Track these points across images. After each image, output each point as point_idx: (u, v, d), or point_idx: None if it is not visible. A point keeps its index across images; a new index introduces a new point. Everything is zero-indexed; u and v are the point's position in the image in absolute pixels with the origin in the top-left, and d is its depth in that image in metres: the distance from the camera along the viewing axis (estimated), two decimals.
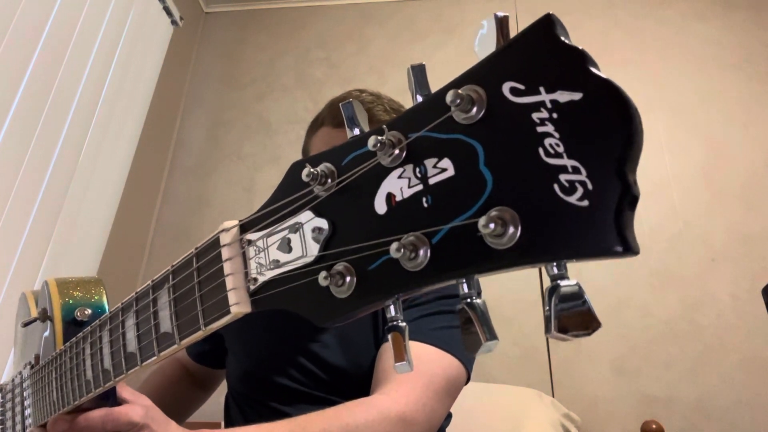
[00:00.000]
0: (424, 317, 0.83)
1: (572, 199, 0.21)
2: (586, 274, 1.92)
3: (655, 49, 2.25)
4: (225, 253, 0.35)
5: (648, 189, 1.99)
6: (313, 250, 0.30)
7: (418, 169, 0.26)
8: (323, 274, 0.29)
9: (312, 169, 0.30)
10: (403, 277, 0.26)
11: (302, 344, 0.89)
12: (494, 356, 1.88)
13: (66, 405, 0.58)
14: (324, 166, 0.30)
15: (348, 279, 0.28)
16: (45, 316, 0.65)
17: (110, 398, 0.58)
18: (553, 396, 1.82)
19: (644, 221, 1.97)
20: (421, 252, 0.25)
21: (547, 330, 0.21)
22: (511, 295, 1.94)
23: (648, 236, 1.95)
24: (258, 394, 0.91)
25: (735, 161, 2.03)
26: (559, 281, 0.22)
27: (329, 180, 0.30)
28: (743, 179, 2.00)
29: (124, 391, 0.61)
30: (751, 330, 1.80)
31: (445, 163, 0.25)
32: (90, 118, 1.90)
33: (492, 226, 0.22)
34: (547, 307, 0.22)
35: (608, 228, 0.20)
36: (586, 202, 0.21)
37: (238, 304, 0.34)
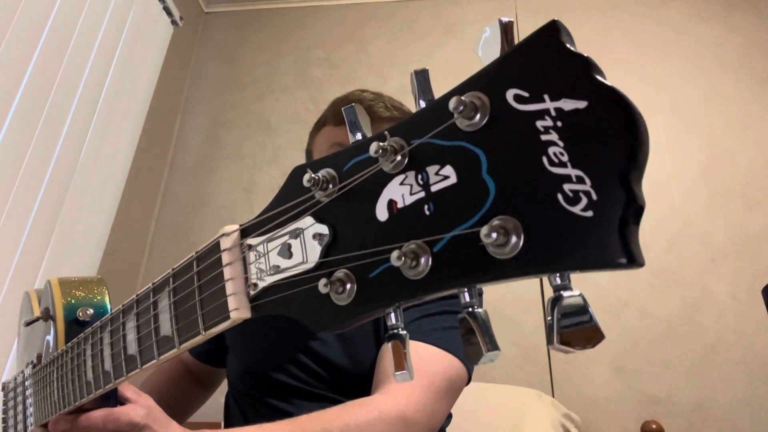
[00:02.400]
0: (426, 317, 0.83)
1: (576, 209, 0.21)
2: (585, 274, 1.91)
3: (655, 49, 2.25)
4: (225, 257, 0.35)
5: (648, 189, 1.97)
6: (314, 256, 0.30)
7: (420, 176, 0.26)
8: (323, 281, 0.29)
9: (313, 175, 0.30)
10: (404, 285, 0.26)
11: (303, 342, 0.89)
12: None
13: (67, 405, 0.58)
14: (325, 172, 0.30)
15: (348, 286, 0.28)
16: (47, 316, 0.65)
17: (111, 398, 0.58)
18: (553, 396, 1.82)
19: (644, 221, 1.96)
20: (422, 260, 0.25)
21: (549, 342, 0.21)
22: (511, 295, 1.94)
23: (648, 236, 1.95)
24: (258, 392, 0.91)
25: (735, 161, 2.03)
26: (562, 292, 0.21)
27: (330, 186, 0.30)
28: (743, 179, 2.00)
29: (128, 390, 0.61)
30: (751, 330, 1.80)
31: (448, 170, 0.25)
32: (90, 118, 1.90)
33: (494, 235, 0.22)
34: (549, 317, 0.22)
35: (612, 239, 0.20)
36: (590, 213, 0.20)
37: (238, 310, 0.34)
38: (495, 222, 0.22)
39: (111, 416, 0.56)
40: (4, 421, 0.82)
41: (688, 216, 1.98)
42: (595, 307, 0.21)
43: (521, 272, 0.22)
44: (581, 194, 0.20)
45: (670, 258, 1.93)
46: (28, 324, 0.73)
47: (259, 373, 0.91)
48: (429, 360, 0.78)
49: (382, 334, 0.88)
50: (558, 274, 0.22)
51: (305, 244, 0.30)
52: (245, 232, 0.35)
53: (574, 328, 0.21)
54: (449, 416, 0.95)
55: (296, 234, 0.31)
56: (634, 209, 0.20)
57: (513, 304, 1.93)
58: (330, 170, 0.30)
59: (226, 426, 1.00)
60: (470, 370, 0.84)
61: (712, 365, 1.79)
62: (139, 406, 0.59)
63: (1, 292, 1.51)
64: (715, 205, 1.98)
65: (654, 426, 1.65)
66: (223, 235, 0.36)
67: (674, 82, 2.18)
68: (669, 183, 2.03)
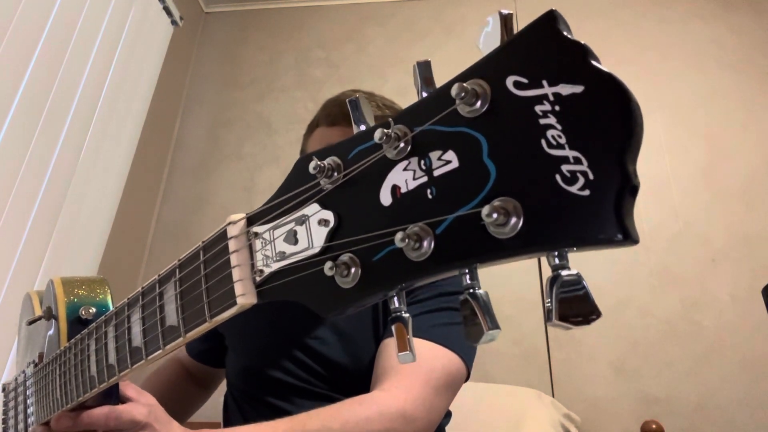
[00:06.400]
0: (425, 314, 0.84)
1: (573, 188, 0.21)
2: (585, 274, 1.90)
3: (655, 49, 2.26)
4: (232, 245, 0.36)
5: (648, 189, 1.99)
6: (319, 241, 0.31)
7: (423, 162, 0.27)
8: (329, 264, 0.29)
9: (319, 162, 0.31)
10: (407, 267, 0.26)
11: (301, 340, 0.90)
12: (494, 356, 1.88)
13: (70, 402, 0.58)
14: (331, 160, 0.31)
15: (353, 270, 0.29)
16: (50, 315, 0.65)
17: (113, 396, 0.58)
18: (553, 396, 1.82)
19: (644, 221, 1.97)
20: (425, 242, 0.26)
21: (548, 319, 0.22)
22: (511, 295, 1.94)
23: (648, 236, 1.96)
24: (257, 390, 0.91)
25: (735, 161, 2.04)
26: (560, 271, 0.22)
27: (335, 173, 0.30)
28: (743, 179, 2.01)
29: (129, 389, 0.61)
30: (751, 330, 1.80)
31: (450, 155, 0.26)
32: (90, 118, 1.90)
33: (495, 215, 0.23)
34: (548, 299, 0.22)
35: (608, 217, 0.20)
36: (587, 192, 0.21)
37: (244, 296, 0.34)
38: (495, 203, 0.23)
39: (113, 413, 0.56)
40: (4, 421, 0.82)
41: (688, 216, 1.99)
42: None
43: (521, 251, 0.23)
44: (578, 174, 0.21)
45: (670, 258, 1.94)
46: (30, 323, 0.73)
47: (258, 370, 0.91)
48: (428, 356, 0.79)
49: (381, 332, 0.88)
50: (556, 254, 0.22)
51: (311, 230, 0.31)
52: (251, 220, 0.36)
53: (571, 302, 0.21)
54: (449, 414, 0.95)
55: (302, 221, 0.32)
56: (630, 188, 0.20)
57: (513, 304, 1.94)
58: (335, 158, 0.31)
59: (226, 425, 1.00)
60: (469, 366, 0.84)
61: (712, 365, 1.79)
62: (141, 404, 0.59)
63: (1, 292, 1.51)
64: (715, 205, 1.99)
65: (654, 426, 1.65)
66: (229, 223, 0.36)
67: (674, 81, 2.19)
68: (669, 183, 2.04)
